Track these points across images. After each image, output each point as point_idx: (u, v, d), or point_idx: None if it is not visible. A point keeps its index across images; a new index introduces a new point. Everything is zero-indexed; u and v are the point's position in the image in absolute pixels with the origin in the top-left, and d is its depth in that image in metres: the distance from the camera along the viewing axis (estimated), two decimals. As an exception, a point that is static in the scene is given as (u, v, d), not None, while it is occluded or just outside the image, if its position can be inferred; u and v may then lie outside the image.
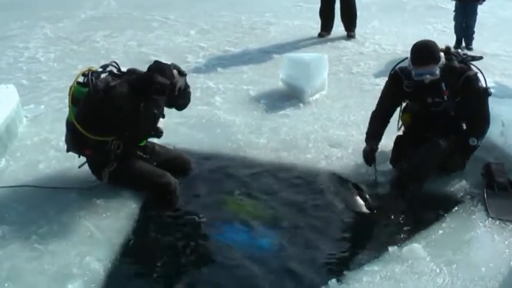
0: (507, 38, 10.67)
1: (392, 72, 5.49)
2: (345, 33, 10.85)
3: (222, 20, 12.36)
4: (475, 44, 9.89)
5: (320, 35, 10.84)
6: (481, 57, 5.44)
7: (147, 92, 4.97)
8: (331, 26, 10.93)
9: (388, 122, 5.58)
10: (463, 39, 9.91)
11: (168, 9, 13.39)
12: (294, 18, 12.32)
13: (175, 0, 14.32)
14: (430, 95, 5.23)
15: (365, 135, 5.58)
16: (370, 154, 5.38)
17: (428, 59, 5.02)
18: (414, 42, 5.29)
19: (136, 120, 5.01)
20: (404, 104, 5.61)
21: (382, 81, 7.87)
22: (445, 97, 5.19)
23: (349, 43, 10.45)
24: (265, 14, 12.68)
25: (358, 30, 10.89)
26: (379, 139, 5.48)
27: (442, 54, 5.10)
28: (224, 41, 10.78)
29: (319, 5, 10.91)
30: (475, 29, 9.88)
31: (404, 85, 5.24)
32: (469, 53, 5.62)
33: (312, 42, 10.56)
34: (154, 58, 9.16)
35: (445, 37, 10.53)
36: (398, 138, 5.61)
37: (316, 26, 11.08)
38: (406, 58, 5.33)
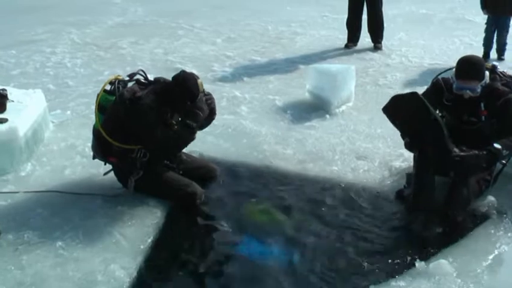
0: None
1: (435, 81, 5.40)
2: (371, 44, 10.78)
3: (248, 29, 12.35)
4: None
5: (346, 46, 10.79)
6: None
7: (173, 101, 4.97)
8: (358, 37, 10.88)
9: None
10: (490, 53, 9.84)
11: (194, 17, 13.41)
12: (321, 29, 12.28)
13: (201, 9, 14.34)
14: (467, 112, 5.15)
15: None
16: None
17: (473, 75, 4.94)
18: (461, 56, 5.21)
19: (163, 136, 5.01)
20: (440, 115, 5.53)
21: (409, 94, 7.89)
22: (483, 117, 5.11)
23: (375, 55, 10.38)
24: (292, 24, 12.65)
25: (385, 42, 10.82)
26: None
27: (487, 73, 5.02)
28: (250, 50, 10.76)
29: (345, 16, 10.88)
30: (507, 41, 9.79)
31: (444, 97, 5.16)
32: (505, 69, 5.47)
33: (338, 53, 10.51)
34: (180, 66, 9.29)
35: (471, 51, 10.37)
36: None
37: (342, 36, 11.04)
38: (450, 69, 5.29)
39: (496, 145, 4.87)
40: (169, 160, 5.33)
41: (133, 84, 5.17)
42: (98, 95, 5.19)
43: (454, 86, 5.01)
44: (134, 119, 4.90)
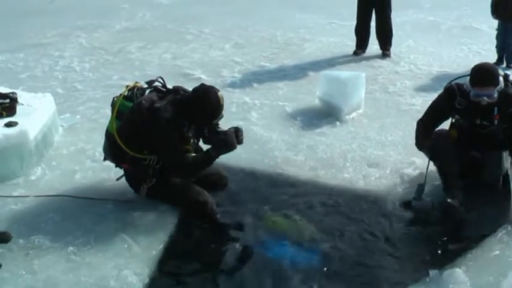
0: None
1: (448, 86, 5.39)
2: (379, 51, 10.75)
3: (257, 35, 12.32)
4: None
5: (355, 53, 10.75)
6: None
7: (192, 116, 4.96)
8: (367, 45, 10.85)
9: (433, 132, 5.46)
10: (504, 58, 9.84)
11: (202, 23, 13.37)
12: (329, 36, 12.23)
13: (209, 14, 14.31)
14: (480, 116, 5.19)
15: (416, 139, 5.44)
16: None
17: (489, 81, 4.96)
18: (473, 64, 5.26)
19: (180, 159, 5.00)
20: (453, 120, 5.52)
21: (419, 102, 7.93)
22: (495, 121, 5.15)
23: (384, 62, 10.34)
24: (300, 31, 12.61)
25: (393, 49, 10.78)
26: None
27: (501, 78, 5.05)
28: (259, 56, 10.72)
29: (354, 23, 10.85)
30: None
31: (456, 101, 5.16)
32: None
33: (347, 60, 10.47)
34: (189, 71, 9.32)
35: (480, 58, 10.32)
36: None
37: (351, 43, 11.00)
38: (464, 76, 5.30)
39: None
40: None
41: (151, 91, 5.14)
42: (116, 101, 5.14)
43: (471, 93, 5.01)
44: (151, 131, 4.89)
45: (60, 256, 4.52)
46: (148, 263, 4.49)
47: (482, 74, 5.03)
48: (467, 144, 5.35)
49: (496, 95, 4.96)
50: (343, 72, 8.45)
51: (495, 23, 10.05)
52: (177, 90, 5.19)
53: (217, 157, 5.07)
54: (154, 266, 4.49)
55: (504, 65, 9.76)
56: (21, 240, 4.71)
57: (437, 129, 5.45)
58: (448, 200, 5.10)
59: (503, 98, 5.05)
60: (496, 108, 5.10)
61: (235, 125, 5.20)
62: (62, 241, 4.69)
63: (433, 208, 5.25)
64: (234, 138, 5.04)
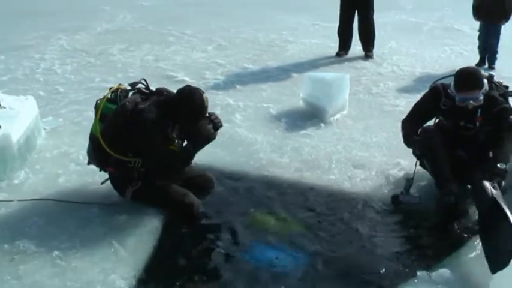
0: (526, 61, 10.60)
1: (433, 86, 5.41)
2: (362, 53, 10.81)
3: (239, 37, 12.32)
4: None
5: (338, 55, 10.79)
6: None
7: (176, 117, 4.93)
8: (349, 46, 10.89)
9: (418, 130, 5.44)
10: (486, 59, 9.91)
11: (184, 24, 13.35)
12: (312, 37, 12.27)
13: (191, 16, 14.30)
14: (464, 118, 5.19)
15: (404, 137, 5.43)
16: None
17: (473, 85, 4.97)
18: (459, 68, 5.25)
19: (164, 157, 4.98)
20: (437, 120, 5.53)
21: (402, 103, 7.96)
22: (477, 124, 5.16)
23: (367, 63, 10.39)
24: (283, 32, 12.63)
25: (376, 50, 10.84)
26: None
27: (485, 80, 5.06)
28: (242, 57, 10.72)
29: (336, 24, 10.88)
30: (498, 49, 9.85)
31: (441, 102, 5.16)
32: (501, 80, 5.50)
33: (330, 62, 10.51)
34: (172, 73, 9.29)
35: (462, 59, 10.51)
36: None
37: (333, 45, 11.04)
38: (447, 77, 5.32)
39: (500, 165, 4.87)
40: None
41: (135, 93, 5.10)
42: (99, 103, 5.09)
43: (457, 99, 5.02)
44: (136, 133, 4.84)
45: (45, 261, 4.45)
46: (136, 266, 4.44)
47: (466, 78, 5.04)
48: (451, 145, 5.34)
49: (481, 98, 4.98)
50: (327, 74, 8.46)
51: (476, 24, 10.14)
52: (160, 91, 5.15)
53: (197, 151, 5.03)
54: (142, 269, 4.44)
55: (486, 65, 9.85)
56: (5, 245, 4.63)
57: (423, 127, 5.44)
58: (445, 199, 5.11)
59: (488, 101, 5.06)
60: (479, 111, 5.10)
61: (221, 127, 5.15)
62: (47, 246, 4.61)
63: (421, 202, 5.28)
64: (208, 127, 5.00)
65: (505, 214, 4.36)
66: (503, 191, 4.77)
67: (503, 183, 4.84)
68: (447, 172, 5.17)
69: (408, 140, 5.39)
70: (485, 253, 4.42)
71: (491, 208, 4.53)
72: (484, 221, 4.64)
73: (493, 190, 4.58)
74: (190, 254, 4.77)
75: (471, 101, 4.96)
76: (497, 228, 4.40)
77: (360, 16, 10.61)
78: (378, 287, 4.32)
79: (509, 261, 4.16)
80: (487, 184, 4.62)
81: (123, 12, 14.77)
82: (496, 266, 4.22)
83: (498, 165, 4.88)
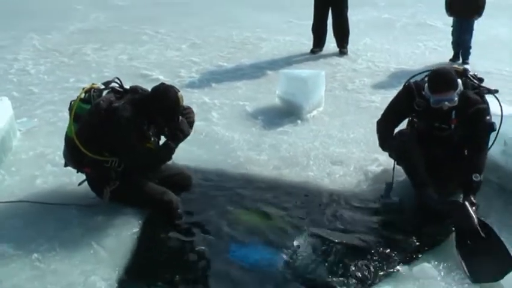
0: (497, 56, 10.68)
1: (406, 85, 5.35)
2: (337, 49, 10.84)
3: (213, 35, 12.30)
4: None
5: (312, 52, 10.81)
6: (496, 91, 5.33)
7: (151, 114, 4.90)
8: (324, 43, 10.92)
9: (393, 132, 5.42)
10: (460, 54, 9.98)
11: (157, 23, 13.30)
12: (285, 34, 12.28)
13: (164, 15, 14.24)
14: (438, 120, 5.14)
15: (379, 140, 5.44)
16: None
17: (448, 87, 4.89)
18: (432, 69, 5.19)
19: (141, 154, 4.97)
20: (411, 119, 5.52)
21: (378, 99, 7.98)
22: (452, 126, 5.11)
23: (342, 60, 10.42)
24: (256, 30, 12.63)
25: (350, 47, 10.88)
26: None
27: (459, 81, 4.99)
28: (216, 55, 10.71)
29: (310, 22, 10.90)
30: (471, 44, 9.92)
31: (415, 103, 5.11)
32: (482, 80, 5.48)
33: (304, 59, 10.53)
34: (146, 72, 9.25)
35: (436, 55, 10.60)
36: None
37: (308, 42, 11.06)
38: (422, 73, 5.29)
39: (475, 177, 4.89)
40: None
41: (109, 92, 5.06)
42: (73, 104, 5.04)
43: (431, 101, 4.94)
44: (111, 132, 4.81)
45: (24, 264, 4.40)
46: (116, 267, 4.40)
47: (440, 79, 4.97)
48: (426, 144, 5.32)
49: (456, 99, 4.91)
50: (303, 71, 8.44)
51: (449, 19, 10.20)
52: (135, 89, 5.12)
53: (176, 146, 5.03)
54: (122, 270, 4.40)
55: (460, 61, 9.91)
56: (-17, 249, 4.59)
57: (398, 130, 5.43)
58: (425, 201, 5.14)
59: (462, 101, 4.98)
60: (453, 112, 5.05)
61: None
62: (26, 248, 4.56)
63: (402, 206, 5.28)
64: (186, 123, 5.06)
65: (496, 237, 4.55)
66: None
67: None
68: (424, 176, 5.16)
69: (383, 143, 5.40)
70: (466, 265, 4.43)
71: (472, 230, 4.63)
72: (464, 239, 4.66)
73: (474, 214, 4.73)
74: (170, 254, 4.72)
75: (446, 103, 4.90)
76: (484, 247, 4.51)
77: (334, 13, 10.63)
78: (359, 283, 4.31)
79: (494, 279, 4.25)
80: (468, 207, 4.75)
81: (96, 12, 14.68)
82: (478, 280, 4.28)
83: (473, 177, 4.89)
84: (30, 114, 7.61)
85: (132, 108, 4.83)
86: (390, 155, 5.42)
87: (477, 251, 4.53)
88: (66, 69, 9.85)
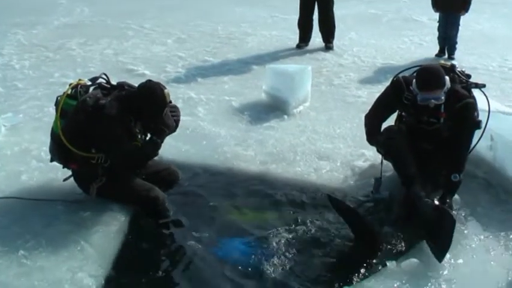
0: (482, 51, 10.75)
1: (395, 79, 5.34)
2: (322, 44, 10.83)
3: (198, 30, 12.24)
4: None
5: (298, 46, 10.80)
6: (483, 85, 5.34)
7: (138, 111, 4.88)
8: (310, 38, 10.90)
9: (381, 127, 5.41)
10: (446, 49, 10.01)
11: (142, 18, 13.22)
12: (271, 29, 12.25)
13: (149, 9, 14.15)
14: (427, 114, 5.11)
15: (367, 135, 5.40)
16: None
17: (435, 85, 4.87)
18: (421, 66, 5.20)
19: (127, 151, 4.95)
20: (400, 113, 5.52)
21: (364, 94, 7.99)
22: (442, 119, 5.09)
23: (327, 55, 10.42)
24: (242, 24, 12.59)
25: (336, 42, 10.88)
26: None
27: (447, 78, 4.97)
28: (202, 50, 10.67)
29: (295, 16, 10.90)
30: (457, 40, 9.96)
31: (404, 96, 5.09)
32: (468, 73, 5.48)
33: (290, 53, 10.52)
34: (132, 67, 9.20)
35: (422, 50, 10.64)
36: None
37: (293, 37, 11.05)
38: (409, 68, 5.29)
39: (453, 177, 4.91)
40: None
41: (96, 88, 5.03)
42: (60, 100, 5.01)
43: (418, 98, 4.92)
44: (98, 129, 4.79)
45: (11, 261, 4.36)
46: (103, 263, 4.40)
47: (428, 77, 4.95)
48: (416, 139, 5.31)
49: (443, 97, 4.90)
50: (289, 66, 8.46)
51: (435, 14, 10.26)
52: (121, 86, 5.09)
53: (161, 141, 5.02)
54: (109, 266, 4.40)
55: (446, 56, 9.93)
56: (-32, 246, 4.55)
57: (386, 126, 5.42)
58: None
59: (451, 95, 4.98)
60: (442, 106, 5.03)
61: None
62: (12, 245, 4.52)
63: (392, 201, 5.30)
64: (170, 118, 5.05)
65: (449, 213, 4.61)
66: None
67: None
68: (411, 173, 5.12)
69: (371, 138, 5.37)
70: (431, 249, 4.53)
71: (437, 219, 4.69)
72: (429, 226, 4.73)
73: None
74: (158, 250, 4.74)
75: (433, 100, 4.89)
76: (439, 226, 4.57)
77: (320, 8, 10.62)
78: (347, 276, 4.33)
79: (448, 246, 4.38)
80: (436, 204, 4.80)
81: (80, 6, 14.53)
82: (440, 254, 4.41)
83: (452, 177, 4.91)
84: (15, 109, 7.54)
85: (118, 105, 4.81)
86: (378, 150, 5.41)
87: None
88: (51, 64, 9.77)
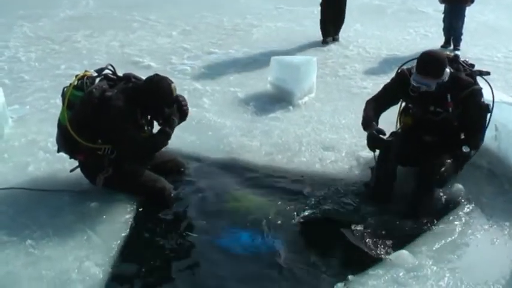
0: (487, 42, 10.77)
1: (399, 71, 5.33)
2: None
3: (203, 21, 12.28)
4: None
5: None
6: (488, 73, 5.34)
7: (145, 104, 4.93)
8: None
9: (381, 114, 5.34)
10: (451, 40, 10.01)
11: (147, 10, 13.26)
12: (276, 21, 12.28)
13: (154, 1, 14.20)
14: (434, 104, 5.11)
15: (362, 123, 5.26)
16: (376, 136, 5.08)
17: (429, 72, 4.86)
18: (424, 50, 5.12)
19: (137, 141, 4.99)
20: (403, 105, 5.52)
21: (370, 85, 8.00)
22: (450, 109, 5.08)
23: (333, 46, 10.46)
24: (247, 16, 12.63)
25: (341, 33, 10.91)
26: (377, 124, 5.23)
27: (447, 70, 4.94)
28: (207, 42, 10.71)
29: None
30: (463, 31, 9.95)
31: (410, 88, 5.06)
32: (471, 62, 5.47)
33: (295, 45, 10.55)
34: (138, 59, 9.20)
35: (427, 41, 10.63)
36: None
37: (298, 28, 11.17)
38: (414, 59, 5.26)
39: (464, 148, 4.93)
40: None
41: (102, 79, 5.06)
42: (66, 91, 5.03)
43: (413, 77, 4.95)
44: (104, 120, 4.82)
45: (18, 250, 4.41)
46: (109, 253, 4.43)
47: (427, 63, 4.91)
48: (422, 131, 5.31)
49: (433, 87, 4.90)
50: (294, 57, 8.48)
51: (440, 5, 10.27)
52: (128, 77, 5.12)
53: (172, 131, 5.08)
54: (116, 255, 4.43)
55: (451, 47, 9.95)
56: (-24, 236, 4.59)
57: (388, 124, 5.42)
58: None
59: (455, 83, 4.98)
60: (449, 96, 5.02)
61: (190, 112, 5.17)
62: (19, 235, 4.57)
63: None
64: (175, 110, 5.13)
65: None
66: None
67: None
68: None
69: (366, 125, 5.18)
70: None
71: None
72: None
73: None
74: (163, 239, 4.75)
75: (424, 86, 4.90)
76: None
77: (337, 3, 10.63)
78: (353, 267, 4.32)
79: None
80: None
81: (86, -2, 14.62)
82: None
83: (463, 148, 4.93)
84: (21, 101, 7.59)
85: (124, 97, 4.85)
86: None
87: None
88: (57, 57, 9.83)
